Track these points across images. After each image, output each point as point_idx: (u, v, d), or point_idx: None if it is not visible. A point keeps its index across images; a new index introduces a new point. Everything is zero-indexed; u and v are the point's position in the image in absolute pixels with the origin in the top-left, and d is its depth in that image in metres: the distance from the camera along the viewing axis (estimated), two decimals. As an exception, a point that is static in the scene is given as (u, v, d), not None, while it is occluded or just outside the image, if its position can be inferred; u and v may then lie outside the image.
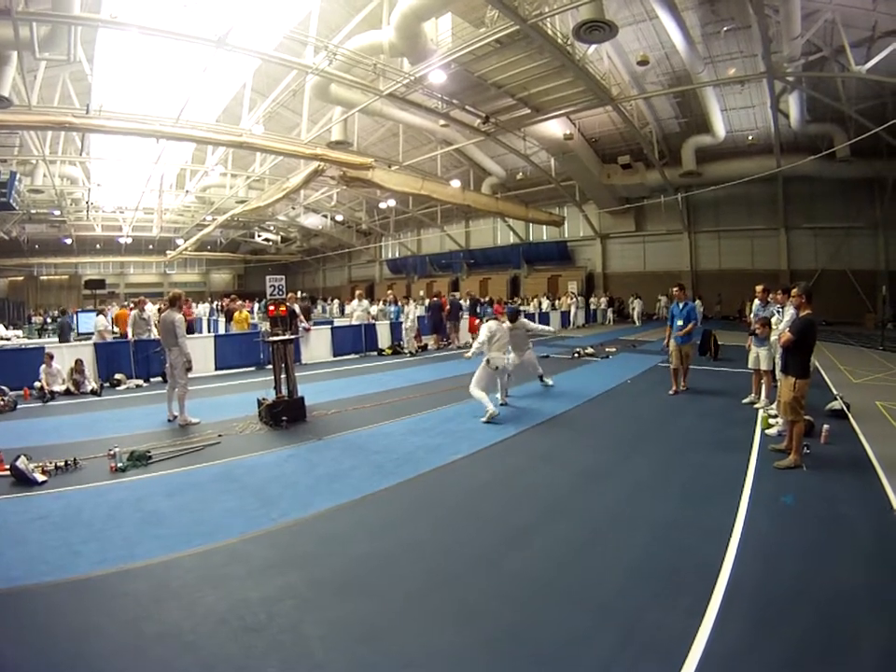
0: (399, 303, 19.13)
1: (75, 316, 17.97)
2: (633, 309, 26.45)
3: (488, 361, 7.98)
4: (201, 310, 27.00)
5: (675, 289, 9.50)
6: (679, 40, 15.83)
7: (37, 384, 9.68)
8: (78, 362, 10.19)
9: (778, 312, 7.89)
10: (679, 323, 9.06)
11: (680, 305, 9.15)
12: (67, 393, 9.84)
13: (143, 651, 2.78)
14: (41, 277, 44.99)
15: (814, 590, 3.32)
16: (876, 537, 4.03)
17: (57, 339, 14.07)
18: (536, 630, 2.97)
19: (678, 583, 3.41)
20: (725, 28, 17.12)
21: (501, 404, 8.52)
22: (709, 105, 20.55)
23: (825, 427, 6.34)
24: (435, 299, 18.05)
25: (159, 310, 13.91)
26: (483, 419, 7.53)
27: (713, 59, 18.62)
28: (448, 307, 17.42)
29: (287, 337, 8.03)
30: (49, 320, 28.01)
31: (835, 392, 8.48)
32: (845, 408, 7.51)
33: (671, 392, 9.27)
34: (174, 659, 2.72)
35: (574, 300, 25.64)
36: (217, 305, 28.12)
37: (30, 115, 14.97)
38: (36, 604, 3.22)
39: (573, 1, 12.27)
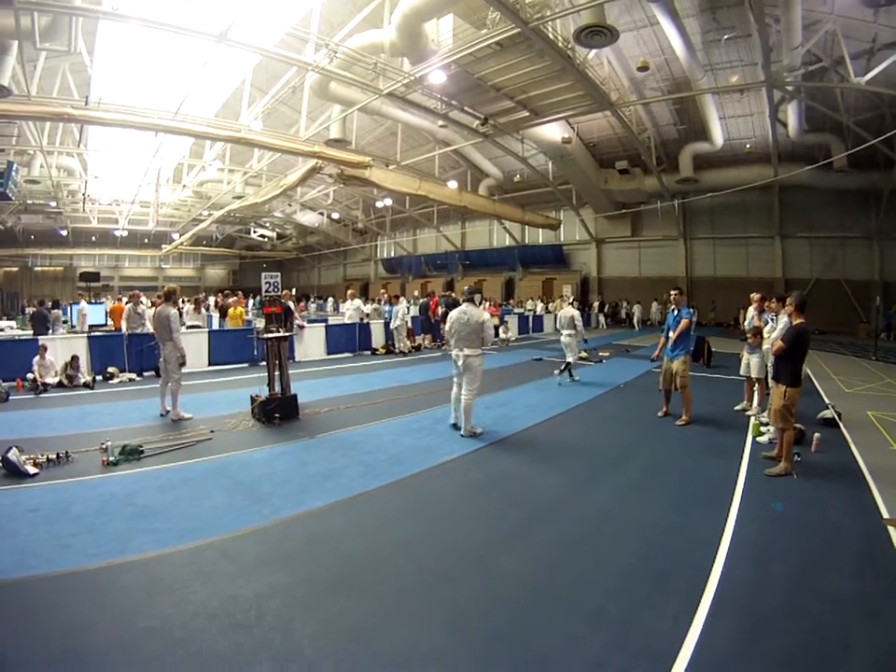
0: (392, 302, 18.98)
1: (68, 308, 17.79)
2: (633, 315, 26.82)
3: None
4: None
5: (674, 293, 8.06)
6: (679, 47, 15.87)
7: (30, 375, 9.64)
8: (74, 359, 10.15)
9: (772, 320, 7.93)
10: (672, 335, 7.80)
11: (675, 312, 7.89)
12: (60, 385, 9.80)
13: (134, 645, 2.78)
14: (36, 268, 44.70)
15: (803, 597, 3.35)
16: (866, 544, 4.07)
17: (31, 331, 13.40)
18: (526, 632, 2.97)
19: (667, 588, 3.42)
20: (726, 36, 17.21)
21: (467, 430, 6.93)
22: (708, 112, 20.64)
23: (816, 435, 6.39)
24: (425, 298, 17.98)
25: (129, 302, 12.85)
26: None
27: (713, 66, 18.72)
28: (444, 307, 17.34)
29: (281, 334, 8.02)
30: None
31: (827, 401, 8.53)
32: (836, 417, 7.56)
33: (660, 414, 8.06)
34: (164, 654, 2.71)
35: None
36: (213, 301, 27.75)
37: (29, 105, 14.91)
38: (26, 597, 3.20)
39: (575, 5, 12.32)
